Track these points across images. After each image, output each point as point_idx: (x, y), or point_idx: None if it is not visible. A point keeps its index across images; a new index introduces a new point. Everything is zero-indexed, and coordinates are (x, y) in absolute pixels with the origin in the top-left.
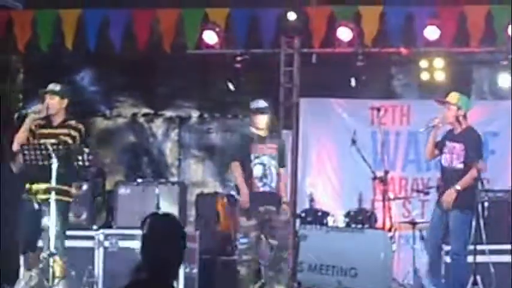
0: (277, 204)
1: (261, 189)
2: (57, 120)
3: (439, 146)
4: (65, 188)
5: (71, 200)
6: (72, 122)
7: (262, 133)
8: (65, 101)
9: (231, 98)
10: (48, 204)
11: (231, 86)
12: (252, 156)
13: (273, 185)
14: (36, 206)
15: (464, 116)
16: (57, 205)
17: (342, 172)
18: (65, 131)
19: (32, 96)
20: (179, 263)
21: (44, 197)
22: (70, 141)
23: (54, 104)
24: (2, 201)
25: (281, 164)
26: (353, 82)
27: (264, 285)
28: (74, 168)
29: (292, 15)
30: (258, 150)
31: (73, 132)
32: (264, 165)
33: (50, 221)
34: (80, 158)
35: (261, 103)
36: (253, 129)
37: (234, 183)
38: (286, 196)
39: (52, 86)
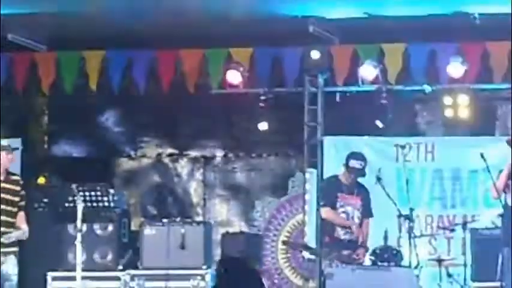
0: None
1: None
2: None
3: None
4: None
5: None
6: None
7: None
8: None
9: (255, 137)
10: None
11: (380, 124)
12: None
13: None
14: None
15: None
16: None
17: None
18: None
19: (57, 138)
20: None
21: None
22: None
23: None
24: None
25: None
26: (379, 124)
27: None
28: None
29: (315, 54)
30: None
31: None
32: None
33: None
34: (105, 198)
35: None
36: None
37: None
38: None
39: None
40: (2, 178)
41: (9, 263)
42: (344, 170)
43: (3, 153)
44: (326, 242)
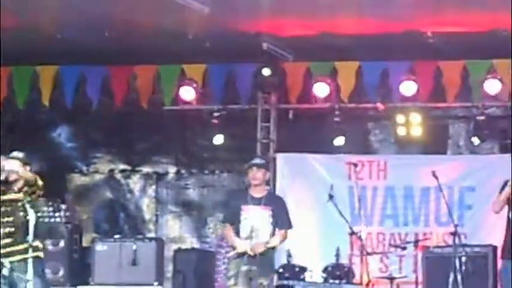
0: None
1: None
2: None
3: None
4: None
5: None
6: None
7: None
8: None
9: (208, 154)
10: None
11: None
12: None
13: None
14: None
15: None
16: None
17: (319, 227)
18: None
19: (9, 152)
20: None
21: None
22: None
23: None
24: None
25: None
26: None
27: None
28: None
29: (268, 71)
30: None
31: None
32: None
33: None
34: (57, 214)
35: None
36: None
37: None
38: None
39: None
40: None
41: None
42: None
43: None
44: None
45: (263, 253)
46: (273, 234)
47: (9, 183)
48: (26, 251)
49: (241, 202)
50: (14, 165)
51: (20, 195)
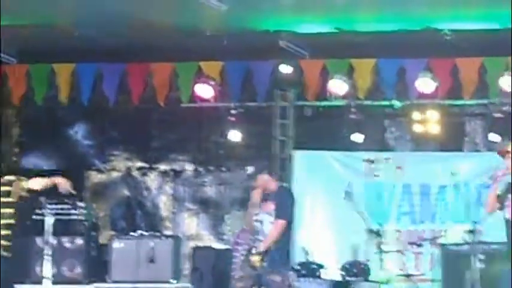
0: None
1: None
2: None
3: (500, 199)
4: None
5: None
6: None
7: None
8: None
9: (226, 151)
10: None
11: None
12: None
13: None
14: None
15: None
16: None
17: (336, 224)
18: None
19: (27, 150)
20: None
21: None
22: None
23: None
24: None
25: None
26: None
27: None
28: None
29: (285, 68)
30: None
31: None
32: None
33: None
34: (74, 212)
35: None
36: None
37: None
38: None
39: None
40: None
41: None
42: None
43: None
44: None
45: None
46: None
47: None
48: None
49: None
50: None
51: None
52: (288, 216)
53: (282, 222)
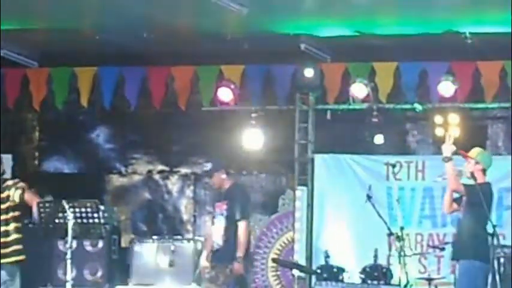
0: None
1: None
2: None
3: (458, 201)
4: None
5: None
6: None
7: None
8: None
9: (246, 155)
10: None
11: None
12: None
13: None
14: None
15: (483, 172)
16: None
17: (357, 228)
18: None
19: (48, 154)
20: None
21: None
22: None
23: None
24: None
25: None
26: (374, 142)
27: None
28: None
29: (306, 72)
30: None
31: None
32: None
33: None
34: (95, 215)
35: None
36: None
37: None
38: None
39: None
40: None
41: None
42: None
43: None
44: None
45: None
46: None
47: None
48: None
49: None
50: None
51: None
52: (248, 216)
53: (245, 224)
